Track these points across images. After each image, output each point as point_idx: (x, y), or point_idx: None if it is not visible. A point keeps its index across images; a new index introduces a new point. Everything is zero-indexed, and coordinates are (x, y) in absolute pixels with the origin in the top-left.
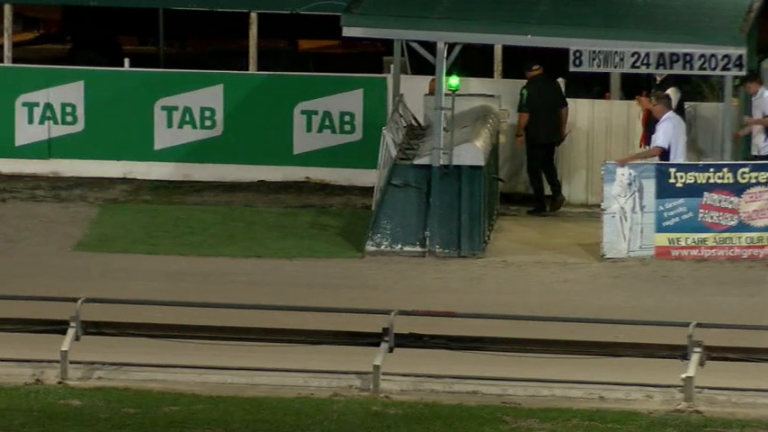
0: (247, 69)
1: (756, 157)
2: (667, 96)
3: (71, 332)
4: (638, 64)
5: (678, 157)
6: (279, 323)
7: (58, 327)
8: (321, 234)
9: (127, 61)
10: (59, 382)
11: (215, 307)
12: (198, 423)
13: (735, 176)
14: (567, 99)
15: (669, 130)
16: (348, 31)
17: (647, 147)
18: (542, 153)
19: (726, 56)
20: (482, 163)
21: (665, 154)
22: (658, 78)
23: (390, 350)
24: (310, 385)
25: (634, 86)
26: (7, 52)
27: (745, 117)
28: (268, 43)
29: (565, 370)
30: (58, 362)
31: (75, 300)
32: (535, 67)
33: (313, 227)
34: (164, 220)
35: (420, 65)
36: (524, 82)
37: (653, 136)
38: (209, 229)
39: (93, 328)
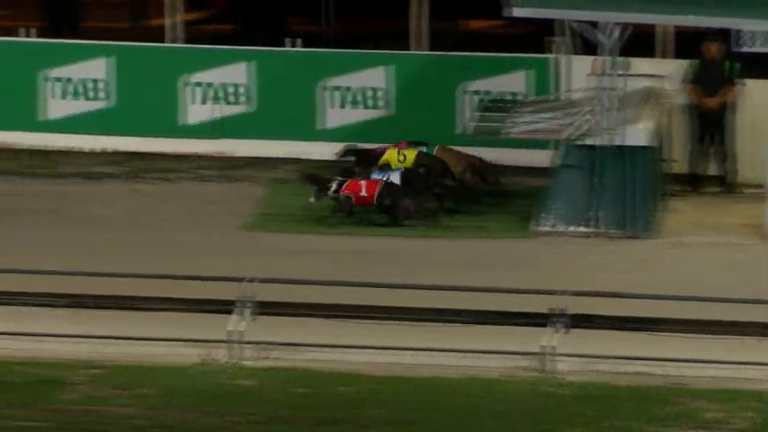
0: (409, 49)
1: None
2: None
3: (242, 312)
4: None
5: None
6: (446, 303)
7: (228, 306)
8: (490, 214)
9: (296, 41)
10: (229, 362)
11: (383, 287)
12: (367, 403)
13: None
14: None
15: None
16: (518, 12)
17: None
18: (698, 129)
19: None
20: (650, 143)
21: None
22: None
23: (561, 330)
24: (477, 365)
25: None
26: (177, 33)
27: None
28: (432, 23)
29: (734, 350)
30: (227, 342)
31: (249, 280)
32: (709, 41)
33: (482, 206)
34: (330, 200)
35: (583, 45)
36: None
37: None
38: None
39: (264, 308)
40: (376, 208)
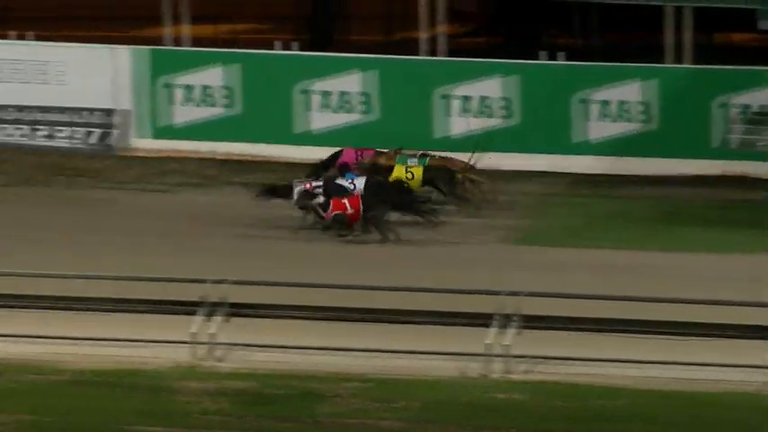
0: (664, 62)
1: None
2: None
3: (503, 325)
4: None
5: None
6: (705, 316)
7: (483, 320)
8: (742, 228)
9: (557, 54)
10: (488, 376)
11: (642, 301)
12: (629, 418)
13: None
14: None
15: None
16: None
17: None
18: None
19: None
20: None
21: None
22: None
23: None
24: (733, 379)
25: None
26: (437, 45)
27: None
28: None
29: None
30: (482, 355)
31: (512, 293)
32: None
33: (735, 221)
34: (596, 214)
35: None
36: None
37: None
38: (637, 223)
39: (526, 322)
40: (361, 223)
